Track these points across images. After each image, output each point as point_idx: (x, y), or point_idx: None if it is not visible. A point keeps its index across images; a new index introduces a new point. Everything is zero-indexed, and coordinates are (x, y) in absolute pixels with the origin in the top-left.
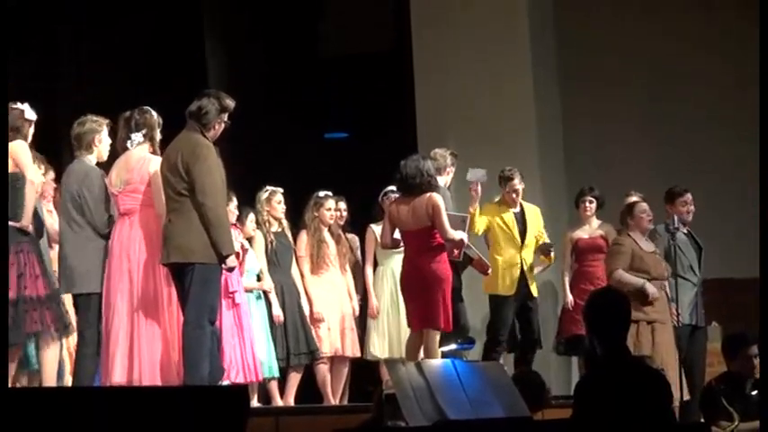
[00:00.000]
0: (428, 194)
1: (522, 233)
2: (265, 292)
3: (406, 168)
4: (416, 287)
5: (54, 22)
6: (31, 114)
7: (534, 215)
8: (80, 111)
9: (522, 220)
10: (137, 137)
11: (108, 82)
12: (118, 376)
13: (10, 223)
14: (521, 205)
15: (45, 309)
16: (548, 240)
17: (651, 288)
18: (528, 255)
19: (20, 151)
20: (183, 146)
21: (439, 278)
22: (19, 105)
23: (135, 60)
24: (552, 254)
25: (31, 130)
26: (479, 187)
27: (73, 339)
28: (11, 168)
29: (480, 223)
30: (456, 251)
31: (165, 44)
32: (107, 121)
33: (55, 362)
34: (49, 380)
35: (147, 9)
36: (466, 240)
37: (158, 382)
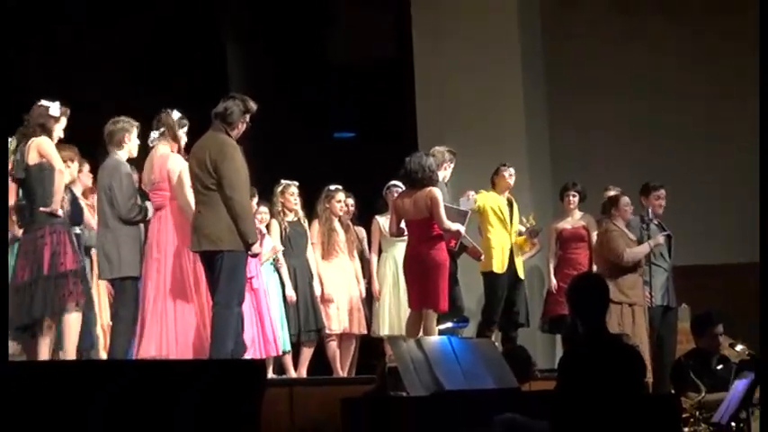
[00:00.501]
0: (428, 188)
1: (510, 218)
2: (281, 277)
3: (411, 164)
4: (417, 271)
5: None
6: (55, 111)
7: (516, 208)
8: (112, 114)
9: (510, 208)
10: (154, 134)
11: (137, 88)
12: (153, 350)
13: (41, 209)
14: (509, 198)
15: (75, 283)
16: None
17: (656, 240)
18: (513, 238)
19: (45, 145)
20: (211, 145)
21: (437, 264)
22: (44, 102)
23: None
24: (537, 238)
25: (59, 126)
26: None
27: (107, 317)
28: (35, 160)
29: (480, 200)
30: (453, 241)
31: (189, 52)
32: (137, 123)
33: (76, 335)
34: (71, 352)
35: (173, 19)
36: (462, 232)
37: (189, 357)
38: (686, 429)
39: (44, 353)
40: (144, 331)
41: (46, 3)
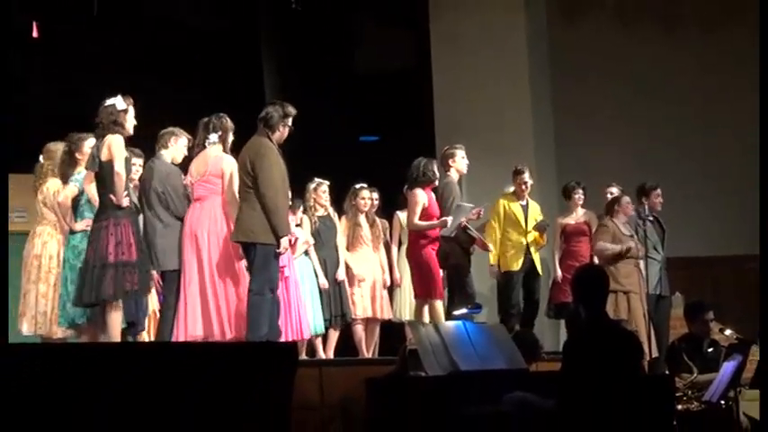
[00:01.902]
0: (413, 189)
1: (526, 221)
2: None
3: (410, 168)
4: (411, 264)
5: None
6: (121, 104)
7: (535, 210)
8: (163, 124)
9: (526, 211)
10: (213, 137)
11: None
12: (199, 331)
13: (111, 196)
14: (527, 200)
15: (135, 272)
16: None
17: (630, 243)
18: (530, 238)
19: (114, 144)
20: (251, 147)
21: (421, 257)
22: (109, 101)
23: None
24: (546, 234)
25: (129, 117)
26: (478, 212)
27: (152, 305)
28: (107, 156)
29: (496, 207)
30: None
31: (229, 63)
32: (186, 135)
33: (119, 320)
34: (117, 335)
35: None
36: (449, 223)
37: (232, 335)
38: (679, 407)
39: (114, 331)
40: (187, 314)
41: (96, 12)
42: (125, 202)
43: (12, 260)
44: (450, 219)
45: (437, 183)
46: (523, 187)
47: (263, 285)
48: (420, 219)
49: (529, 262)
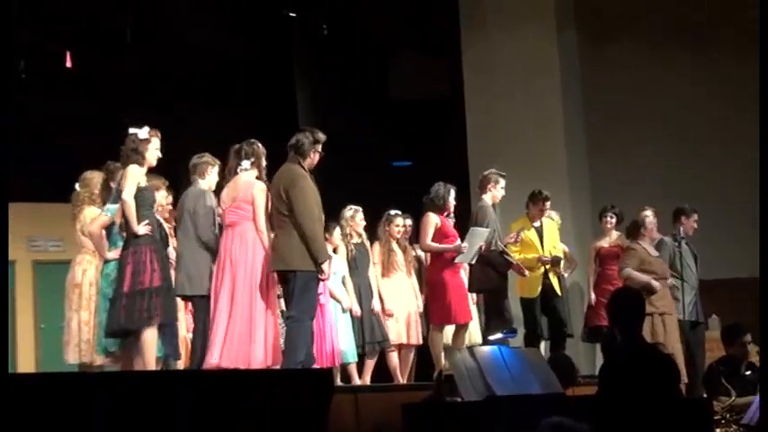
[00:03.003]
0: (426, 212)
1: (541, 244)
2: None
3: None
4: (428, 288)
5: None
6: (144, 134)
7: (552, 229)
8: (199, 149)
9: (540, 233)
10: (245, 163)
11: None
12: (231, 357)
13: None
14: (541, 222)
15: (153, 300)
16: (560, 253)
17: (655, 283)
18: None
19: (128, 172)
20: (284, 175)
21: (435, 282)
22: (133, 130)
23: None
24: (561, 264)
25: (152, 147)
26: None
27: (182, 331)
28: (123, 186)
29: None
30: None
31: (263, 93)
32: (219, 162)
33: (153, 347)
34: (150, 363)
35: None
36: (463, 247)
37: (267, 362)
38: (718, 430)
39: (148, 359)
40: (223, 341)
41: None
42: (141, 230)
43: (50, 289)
44: (465, 244)
45: (448, 211)
46: (543, 213)
47: (302, 312)
48: (433, 240)
49: (547, 287)
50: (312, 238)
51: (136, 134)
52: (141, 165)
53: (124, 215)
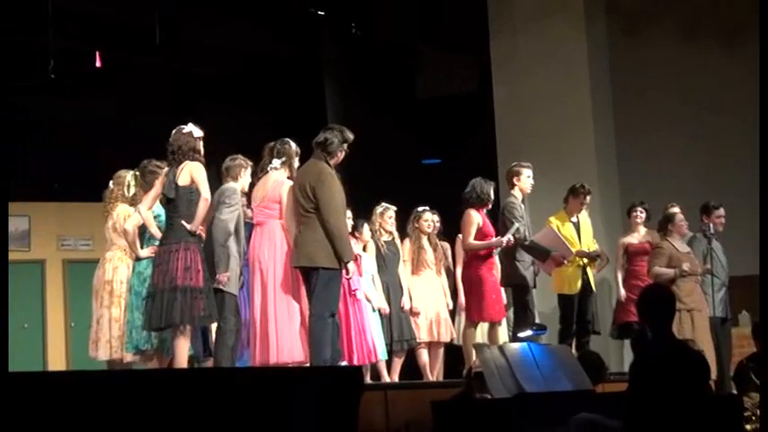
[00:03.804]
0: (467, 209)
1: (579, 239)
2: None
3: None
4: (465, 286)
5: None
6: (198, 132)
7: (587, 225)
8: (226, 151)
9: (578, 228)
10: (276, 162)
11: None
12: (262, 354)
13: (183, 222)
14: (577, 217)
15: (198, 299)
16: (596, 249)
17: (683, 265)
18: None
19: (197, 171)
20: (310, 172)
21: (477, 278)
22: (185, 127)
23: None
24: (598, 260)
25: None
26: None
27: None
28: (186, 182)
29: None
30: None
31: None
32: (251, 163)
33: (187, 345)
34: (183, 362)
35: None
36: (504, 242)
37: (296, 360)
38: (748, 427)
39: (181, 357)
40: (256, 339)
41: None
42: (198, 230)
43: (80, 287)
44: (505, 239)
45: (490, 205)
46: (583, 207)
47: (324, 309)
48: (475, 239)
49: (585, 282)
50: (339, 236)
51: (191, 131)
52: (201, 162)
53: (174, 210)
